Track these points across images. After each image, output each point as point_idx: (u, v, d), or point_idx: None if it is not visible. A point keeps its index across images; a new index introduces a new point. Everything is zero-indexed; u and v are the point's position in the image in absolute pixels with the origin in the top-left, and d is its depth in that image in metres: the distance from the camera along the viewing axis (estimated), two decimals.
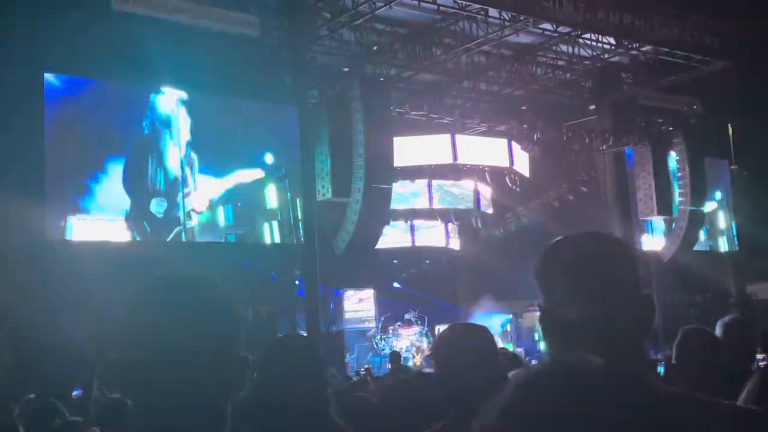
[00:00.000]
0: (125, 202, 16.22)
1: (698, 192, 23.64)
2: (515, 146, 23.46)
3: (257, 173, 17.94)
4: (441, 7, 17.86)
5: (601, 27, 19.56)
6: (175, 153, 16.99)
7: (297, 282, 19.10)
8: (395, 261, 24.06)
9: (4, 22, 14.37)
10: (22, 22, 14.58)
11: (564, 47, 21.33)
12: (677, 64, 21.91)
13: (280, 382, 2.67)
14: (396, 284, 24.29)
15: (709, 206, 25.23)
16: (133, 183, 16.34)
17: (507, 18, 18.35)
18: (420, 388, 3.77)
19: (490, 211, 24.36)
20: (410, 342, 21.04)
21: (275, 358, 2.75)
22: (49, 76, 15.58)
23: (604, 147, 23.53)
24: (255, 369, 2.76)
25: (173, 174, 16.89)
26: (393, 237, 22.43)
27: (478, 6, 17.71)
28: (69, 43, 14.75)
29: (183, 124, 17.13)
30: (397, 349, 19.33)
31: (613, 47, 21.04)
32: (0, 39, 14.35)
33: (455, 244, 24.84)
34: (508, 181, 24.05)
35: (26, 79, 14.94)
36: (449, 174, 23.23)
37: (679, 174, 23.64)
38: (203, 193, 17.22)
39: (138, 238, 16.23)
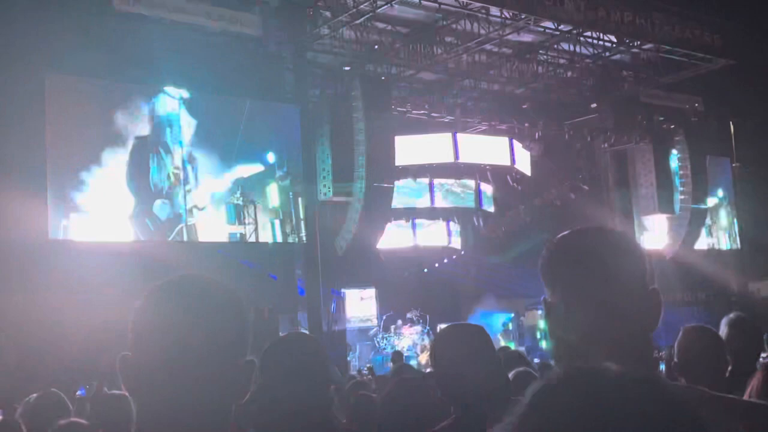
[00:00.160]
0: (127, 201, 16.23)
1: (700, 190, 23.64)
2: (516, 145, 23.44)
3: (257, 168, 17.95)
4: (442, 6, 17.86)
5: (603, 25, 19.56)
6: (177, 152, 17.00)
7: (298, 281, 19.10)
8: (396, 260, 24.04)
9: (5, 22, 14.38)
10: (23, 22, 14.59)
11: (565, 45, 21.33)
12: (678, 62, 21.91)
13: (283, 381, 2.66)
14: (398, 283, 24.28)
15: (711, 205, 25.23)
16: (136, 181, 16.35)
17: (508, 16, 18.36)
18: (423, 388, 3.78)
19: (491, 209, 24.33)
20: (412, 341, 21.03)
21: (278, 357, 2.75)
22: (50, 77, 15.58)
23: (606, 145, 23.55)
24: (258, 368, 2.76)
25: (175, 173, 16.90)
26: (394, 236, 22.43)
27: (479, 4, 17.72)
28: (70, 43, 14.76)
29: (185, 124, 17.14)
30: (399, 348, 19.32)
31: (614, 45, 21.05)
32: (1, 39, 14.37)
33: (457, 242, 24.82)
34: (509, 179, 24.03)
35: (28, 79, 14.95)
36: (451, 173, 23.21)
37: (681, 172, 23.63)
38: (205, 190, 17.23)
39: (141, 236, 16.23)
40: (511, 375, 4.03)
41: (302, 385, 2.65)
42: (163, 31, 15.51)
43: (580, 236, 1.84)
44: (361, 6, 17.51)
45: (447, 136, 22.58)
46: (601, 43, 20.91)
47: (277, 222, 18.03)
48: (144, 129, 16.79)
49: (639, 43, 20.88)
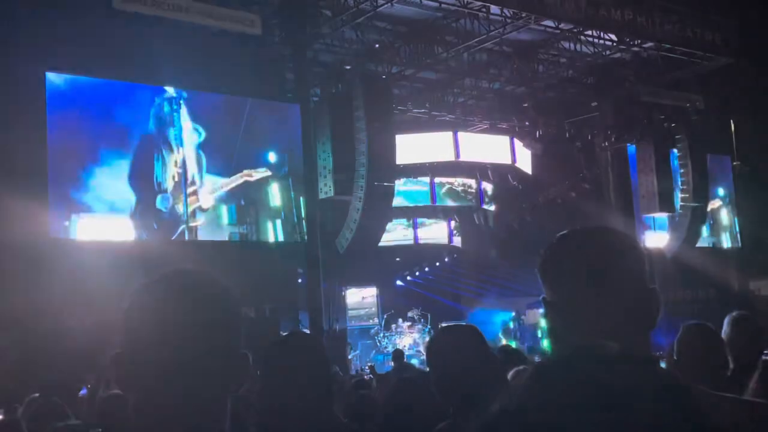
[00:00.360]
0: (129, 199, 16.22)
1: (700, 188, 23.63)
2: (517, 143, 23.46)
3: (264, 172, 17.94)
4: (443, 5, 17.85)
5: (603, 24, 19.56)
6: (180, 151, 17.00)
7: (299, 280, 19.12)
8: (398, 259, 24.08)
9: (6, 21, 14.38)
10: (23, 22, 14.60)
11: (566, 44, 21.32)
12: (679, 60, 21.90)
13: (284, 379, 2.67)
14: (399, 282, 24.32)
15: (712, 204, 25.22)
16: (139, 180, 16.34)
17: (509, 15, 18.35)
18: (424, 388, 3.78)
19: (492, 208, 24.34)
20: (413, 340, 21.05)
21: (280, 356, 2.75)
22: (51, 75, 15.59)
23: (607, 144, 23.53)
24: (259, 366, 2.77)
25: (179, 172, 16.90)
26: (395, 234, 22.45)
27: (479, 3, 17.70)
28: (71, 42, 14.76)
29: (185, 123, 17.15)
30: (400, 347, 19.34)
31: (615, 44, 21.04)
32: (2, 38, 14.37)
33: (458, 241, 24.84)
34: (510, 178, 24.04)
35: (28, 78, 14.95)
36: (452, 171, 23.22)
37: (682, 170, 23.61)
38: (209, 191, 17.23)
39: (145, 235, 16.23)
40: (510, 374, 4.04)
41: (303, 383, 2.66)
42: (164, 29, 15.50)
43: (579, 236, 1.85)
44: (362, 5, 17.51)
45: (448, 135, 22.61)
46: (601, 41, 20.90)
47: (279, 221, 18.04)
48: (146, 128, 16.78)
49: (640, 41, 20.86)
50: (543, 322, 20.23)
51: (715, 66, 22.22)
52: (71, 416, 5.14)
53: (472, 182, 23.51)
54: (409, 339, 21.10)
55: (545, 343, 20.61)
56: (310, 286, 17.70)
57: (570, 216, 21.87)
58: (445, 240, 24.41)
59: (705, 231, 25.07)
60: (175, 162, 16.92)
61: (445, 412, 2.94)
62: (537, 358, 13.06)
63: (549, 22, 19.16)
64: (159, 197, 16.60)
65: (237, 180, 17.54)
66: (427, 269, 25.16)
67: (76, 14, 14.73)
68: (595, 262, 1.75)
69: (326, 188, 18.03)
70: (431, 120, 23.22)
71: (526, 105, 23.65)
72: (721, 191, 26.37)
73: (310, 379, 2.67)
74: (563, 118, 23.93)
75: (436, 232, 24.23)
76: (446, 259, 25.49)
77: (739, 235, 26.63)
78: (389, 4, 17.30)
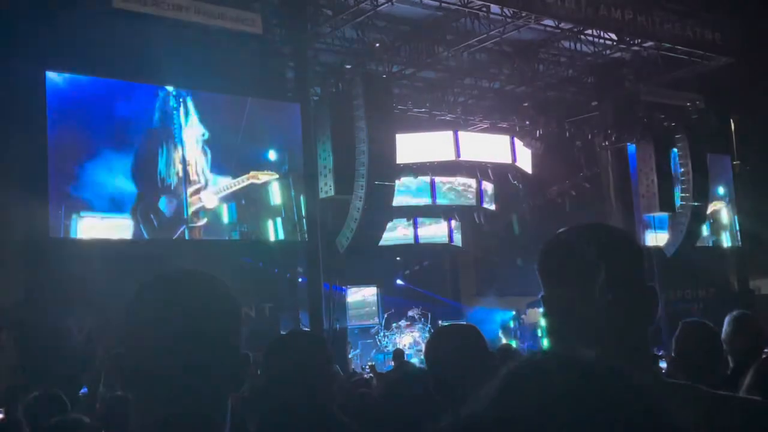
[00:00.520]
0: (130, 196, 16.20)
1: (701, 188, 23.62)
2: (518, 143, 23.44)
3: (271, 174, 17.94)
4: (443, 4, 17.85)
5: (603, 23, 19.56)
6: (185, 147, 16.98)
7: (300, 279, 19.12)
8: (398, 258, 24.08)
9: (5, 20, 14.38)
10: (23, 20, 14.59)
11: (566, 43, 21.33)
12: (679, 59, 21.90)
13: (285, 378, 2.68)
14: (399, 281, 24.32)
15: (713, 206, 25.23)
16: (142, 174, 16.32)
17: (509, 14, 18.35)
18: (423, 386, 3.79)
19: (492, 207, 24.34)
20: (413, 339, 21.04)
21: (281, 355, 2.76)
22: (51, 74, 15.58)
23: (607, 143, 23.54)
24: (260, 365, 2.77)
25: (182, 171, 16.89)
26: (396, 233, 22.45)
27: (480, 2, 17.70)
28: (70, 41, 14.76)
29: (195, 118, 17.15)
30: (401, 346, 19.34)
31: (615, 43, 21.04)
32: (2, 37, 14.37)
33: (458, 240, 24.84)
34: (510, 177, 24.04)
35: (28, 77, 14.95)
36: (452, 171, 23.21)
37: (682, 170, 23.60)
38: (214, 192, 17.22)
39: (145, 233, 16.22)
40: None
41: (305, 382, 2.66)
42: (164, 28, 15.50)
43: (576, 232, 1.85)
44: (362, 4, 17.51)
45: (448, 134, 22.59)
46: (601, 41, 20.90)
47: (279, 220, 18.03)
48: (150, 122, 16.76)
49: (640, 41, 20.86)
50: (543, 322, 20.23)
51: (715, 65, 22.22)
52: (69, 410, 5.14)
53: (473, 181, 23.49)
54: (410, 338, 21.09)
55: (545, 343, 20.61)
56: (311, 285, 17.70)
57: (570, 215, 21.87)
58: (445, 239, 24.40)
59: (705, 230, 25.07)
60: (180, 158, 16.90)
61: (443, 411, 2.95)
62: None
63: (549, 22, 19.16)
64: (163, 198, 16.59)
65: (243, 182, 17.54)
66: (427, 268, 25.15)
67: (75, 13, 14.73)
68: (593, 259, 1.75)
69: (326, 187, 18.01)
70: (431, 119, 23.22)
71: (526, 104, 23.63)
72: (721, 190, 26.37)
73: (311, 379, 2.68)
74: (563, 118, 23.93)
75: (436, 231, 24.22)
76: (447, 258, 25.48)
77: (739, 234, 26.63)
78: (390, 3, 17.30)
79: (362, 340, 21.42)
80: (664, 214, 23.84)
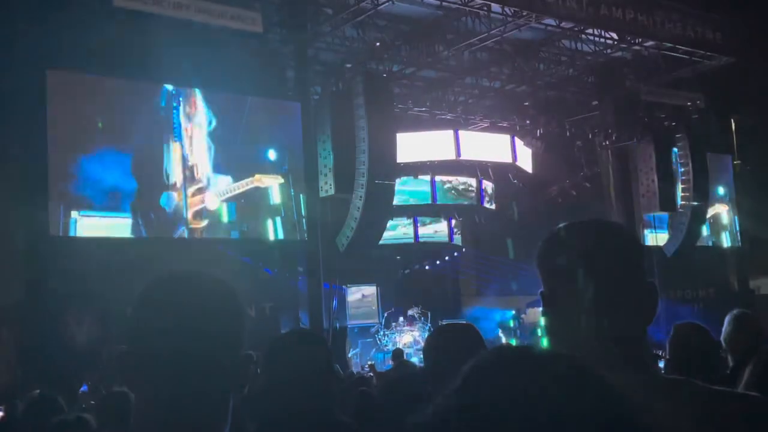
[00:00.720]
0: (131, 193, 16.19)
1: (701, 187, 23.61)
2: (518, 142, 23.45)
3: (276, 178, 17.93)
4: (444, 3, 17.84)
5: (604, 22, 19.55)
6: (180, 146, 16.97)
7: (299, 278, 19.11)
8: (398, 257, 24.08)
9: (6, 18, 14.38)
10: (24, 19, 14.59)
11: (567, 43, 21.32)
12: (680, 59, 21.90)
13: (286, 377, 2.68)
14: (399, 280, 24.31)
15: (714, 209, 25.25)
16: (142, 172, 16.30)
17: (510, 14, 18.35)
18: (423, 384, 3.79)
19: (492, 206, 24.35)
20: (413, 338, 21.04)
21: (281, 354, 2.76)
22: (51, 72, 15.58)
23: (607, 142, 23.54)
24: (261, 364, 2.77)
25: (182, 167, 16.88)
26: (396, 232, 22.46)
27: (481, 2, 17.70)
28: (71, 40, 14.75)
29: (203, 114, 17.15)
30: (401, 346, 19.34)
31: (615, 43, 21.03)
32: (2, 35, 14.37)
33: (458, 239, 24.85)
34: (511, 176, 24.04)
35: (28, 75, 14.95)
36: (452, 170, 23.22)
37: (682, 169, 23.60)
38: (216, 193, 17.21)
39: (144, 229, 16.20)
40: None
41: (305, 381, 2.66)
42: (164, 27, 15.49)
43: (575, 229, 1.84)
44: (363, 3, 17.51)
45: (449, 134, 22.60)
46: (602, 40, 20.89)
47: (279, 219, 18.03)
48: (154, 117, 16.75)
49: (640, 40, 20.85)
50: (543, 321, 20.23)
51: (716, 65, 22.21)
52: (65, 409, 5.14)
53: (473, 181, 23.50)
54: (409, 337, 21.09)
55: (545, 342, 20.60)
56: (311, 284, 17.70)
57: (570, 215, 21.84)
58: (445, 238, 24.40)
59: (705, 230, 25.07)
60: (181, 156, 16.89)
61: None
62: None
63: (550, 21, 19.16)
64: (164, 194, 16.57)
65: (247, 185, 17.53)
66: (427, 267, 25.15)
67: (76, 12, 14.73)
68: (591, 255, 1.74)
69: (327, 186, 18.01)
70: (432, 118, 23.22)
71: (526, 104, 23.64)
72: (721, 190, 26.37)
73: (311, 378, 2.68)
74: (564, 117, 23.93)
75: (436, 230, 24.22)
76: (446, 258, 25.48)
77: (739, 234, 26.64)
78: (390, 2, 17.29)
79: (362, 339, 21.42)
80: (664, 214, 23.84)
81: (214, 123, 17.34)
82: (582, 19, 19.05)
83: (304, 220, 17.98)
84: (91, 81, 16.14)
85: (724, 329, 4.62)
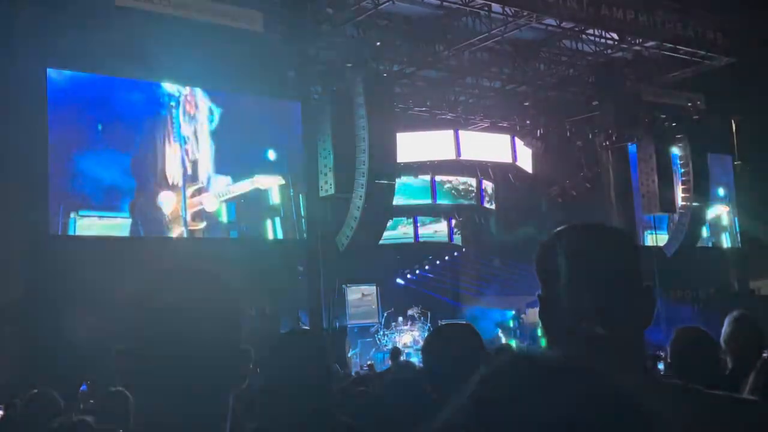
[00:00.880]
0: (130, 192, 16.19)
1: (701, 188, 23.61)
2: (518, 142, 23.44)
3: (277, 180, 17.91)
4: (444, 3, 17.85)
5: (605, 23, 19.55)
6: (179, 146, 16.97)
7: (299, 278, 19.10)
8: (398, 257, 24.07)
9: (6, 18, 14.38)
10: (24, 18, 14.60)
11: (567, 43, 21.32)
12: (680, 59, 21.90)
13: (285, 377, 2.68)
14: (399, 281, 24.31)
15: (714, 212, 25.26)
16: (141, 171, 16.31)
17: (510, 14, 18.35)
18: (422, 384, 3.78)
19: (492, 206, 24.34)
20: (413, 338, 21.03)
21: (281, 354, 2.76)
22: (51, 72, 15.59)
23: (607, 143, 23.52)
24: (260, 364, 2.77)
25: (181, 167, 16.87)
26: (396, 232, 22.45)
27: (481, 2, 17.70)
28: (71, 39, 14.77)
29: (183, 120, 17.13)
30: (400, 345, 19.32)
31: (616, 43, 21.02)
32: (3, 35, 14.38)
33: (458, 239, 24.84)
34: (511, 176, 24.03)
35: (29, 75, 14.96)
36: (452, 170, 23.21)
37: (682, 170, 23.60)
38: (215, 194, 17.20)
39: (141, 228, 16.20)
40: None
41: (304, 381, 2.66)
42: (164, 27, 15.49)
43: (575, 232, 1.84)
44: (363, 3, 17.50)
45: (449, 133, 22.59)
46: (603, 40, 20.89)
47: (278, 219, 18.03)
48: (156, 116, 16.74)
49: (641, 40, 20.85)
50: (540, 323, 20.22)
51: (716, 65, 22.21)
52: (62, 407, 5.13)
53: (473, 181, 23.49)
54: (409, 337, 21.08)
55: (544, 342, 20.59)
56: (310, 284, 17.69)
57: (570, 215, 21.84)
58: (445, 238, 24.40)
59: (705, 231, 25.06)
60: (183, 155, 16.87)
61: (440, 410, 2.94)
62: None
63: (550, 21, 19.16)
64: (162, 194, 16.57)
65: (247, 187, 17.52)
66: (427, 267, 25.15)
67: (77, 11, 14.74)
68: (589, 258, 1.74)
69: (327, 186, 18.01)
70: (432, 118, 23.21)
71: (527, 104, 23.62)
72: (721, 191, 26.37)
73: (310, 378, 2.68)
74: (564, 117, 23.92)
75: (436, 230, 24.22)
76: (446, 257, 25.48)
77: (739, 235, 26.62)
78: (391, 2, 17.30)
79: (362, 339, 21.41)
80: (664, 214, 23.83)
81: (214, 123, 17.34)
82: (582, 19, 19.05)
83: (303, 220, 17.98)
84: (91, 81, 16.14)
85: (723, 330, 4.61)
